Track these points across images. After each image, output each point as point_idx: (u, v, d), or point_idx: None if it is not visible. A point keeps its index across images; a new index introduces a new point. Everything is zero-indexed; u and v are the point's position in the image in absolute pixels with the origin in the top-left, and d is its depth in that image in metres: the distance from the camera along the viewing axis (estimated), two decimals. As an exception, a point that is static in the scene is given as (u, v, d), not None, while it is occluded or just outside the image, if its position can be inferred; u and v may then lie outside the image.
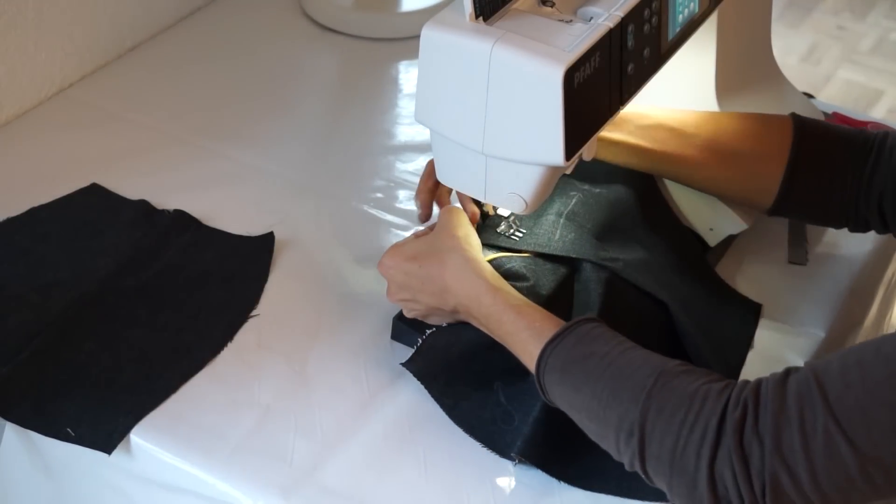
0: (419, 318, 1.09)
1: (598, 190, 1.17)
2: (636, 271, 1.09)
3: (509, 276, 1.08)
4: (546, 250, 1.11)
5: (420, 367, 1.06)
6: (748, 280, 1.22)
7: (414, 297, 1.06)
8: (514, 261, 1.10)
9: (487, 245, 1.12)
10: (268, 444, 1.02)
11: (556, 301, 1.08)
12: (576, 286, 1.09)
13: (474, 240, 1.06)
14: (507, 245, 1.12)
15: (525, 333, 0.97)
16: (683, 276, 1.12)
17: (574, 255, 1.10)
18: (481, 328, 1.04)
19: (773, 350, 1.14)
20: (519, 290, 1.05)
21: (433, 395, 1.05)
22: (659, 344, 1.08)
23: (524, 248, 1.12)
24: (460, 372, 1.06)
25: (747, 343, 1.12)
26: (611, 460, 0.96)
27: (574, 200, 1.15)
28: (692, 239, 1.20)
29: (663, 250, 1.16)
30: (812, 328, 1.17)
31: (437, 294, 1.04)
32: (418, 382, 1.06)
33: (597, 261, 1.09)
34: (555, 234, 1.12)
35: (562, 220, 1.13)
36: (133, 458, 1.03)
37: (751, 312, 1.15)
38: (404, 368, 1.07)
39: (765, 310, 1.17)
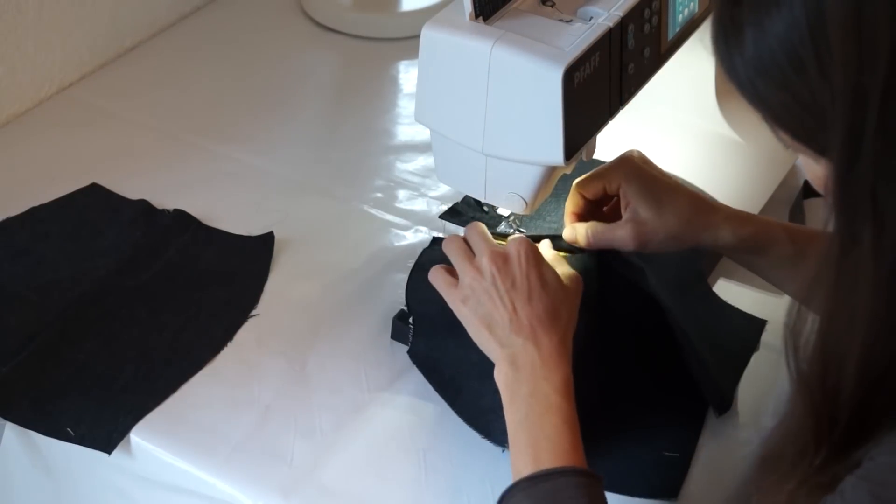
0: (453, 294, 0.98)
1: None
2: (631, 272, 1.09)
3: None
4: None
5: (422, 353, 1.05)
6: (748, 280, 1.22)
7: (503, 296, 0.95)
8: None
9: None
10: (268, 444, 1.02)
11: None
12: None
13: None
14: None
15: (549, 444, 0.89)
16: (684, 292, 1.12)
17: (563, 245, 1.10)
18: (507, 386, 0.93)
19: (773, 350, 1.14)
20: None
21: (435, 387, 1.05)
22: (645, 347, 1.08)
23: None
24: (460, 363, 1.05)
25: (748, 354, 1.12)
26: (609, 459, 0.96)
27: None
28: (693, 258, 1.20)
29: (663, 266, 1.15)
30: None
31: (522, 325, 0.94)
32: (418, 383, 1.06)
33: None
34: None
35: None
36: (133, 457, 1.03)
37: (754, 329, 1.15)
38: (404, 368, 1.07)
39: (764, 309, 1.16)
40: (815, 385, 0.74)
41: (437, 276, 1.01)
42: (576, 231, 1.07)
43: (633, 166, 1.05)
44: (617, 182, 1.05)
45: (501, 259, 0.96)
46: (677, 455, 1.02)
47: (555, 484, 0.87)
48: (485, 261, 0.97)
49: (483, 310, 0.96)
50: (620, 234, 1.04)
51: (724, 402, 1.07)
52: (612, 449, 1.01)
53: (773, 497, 0.79)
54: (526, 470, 0.88)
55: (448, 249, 1.01)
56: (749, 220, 1.06)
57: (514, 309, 0.94)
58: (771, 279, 1.09)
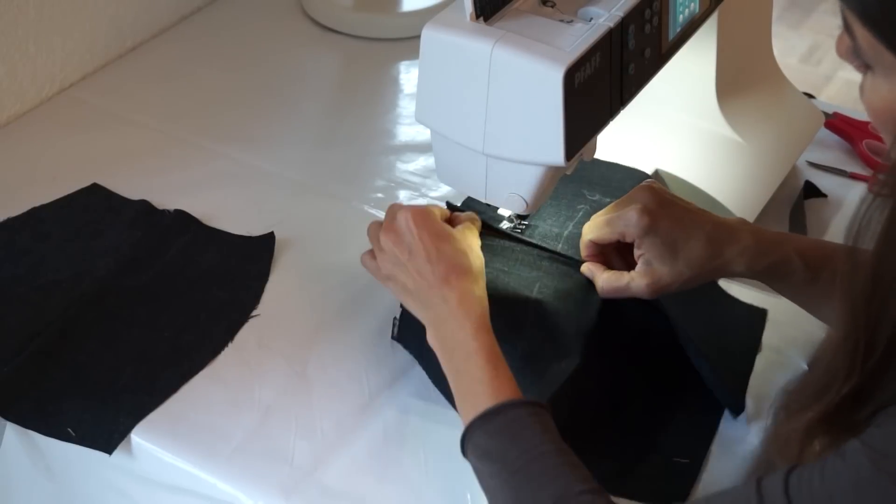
0: (380, 277, 1.05)
1: (608, 200, 1.16)
2: None
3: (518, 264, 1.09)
4: (549, 246, 1.11)
5: (407, 340, 1.06)
6: (748, 279, 1.22)
7: (406, 265, 1.00)
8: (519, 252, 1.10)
9: (493, 234, 1.12)
10: (268, 444, 1.02)
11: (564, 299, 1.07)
12: (578, 292, 1.08)
13: (483, 275, 1.02)
14: (514, 236, 1.12)
15: (481, 386, 0.93)
16: (688, 291, 1.12)
17: (575, 257, 1.09)
18: (436, 345, 0.98)
19: (774, 350, 1.14)
20: (529, 282, 1.06)
21: (423, 366, 1.06)
22: (656, 353, 1.08)
23: (528, 241, 1.11)
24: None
25: (755, 349, 1.12)
26: (618, 464, 0.96)
27: (581, 213, 1.15)
28: None
29: None
30: (812, 327, 1.16)
31: (429, 284, 0.98)
32: (418, 383, 1.06)
33: None
34: (557, 245, 1.12)
35: (565, 234, 1.13)
36: (134, 458, 1.03)
37: (756, 319, 1.15)
38: (405, 369, 1.07)
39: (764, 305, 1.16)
40: (862, 304, 0.76)
41: (365, 262, 1.08)
42: (592, 275, 1.06)
43: (649, 219, 1.01)
44: (632, 236, 1.02)
45: (394, 233, 1.02)
46: (687, 462, 1.02)
47: (507, 416, 0.91)
48: (383, 239, 1.03)
49: (399, 282, 1.02)
50: (635, 287, 1.02)
51: (739, 403, 1.06)
52: (622, 455, 1.01)
53: (792, 424, 0.81)
54: (472, 413, 0.92)
55: (368, 236, 1.07)
56: (765, 251, 1.03)
57: (419, 273, 0.99)
58: (787, 297, 1.09)
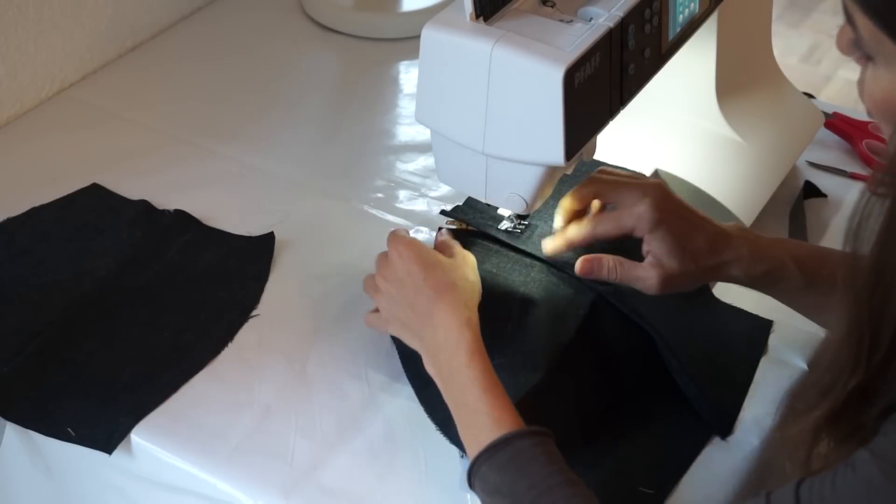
0: (381, 323, 1.05)
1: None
2: (625, 297, 1.07)
3: (507, 276, 1.08)
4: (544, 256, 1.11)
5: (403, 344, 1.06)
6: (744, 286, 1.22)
7: (398, 299, 1.01)
8: (512, 265, 1.10)
9: (488, 240, 1.11)
10: (268, 444, 1.03)
11: (541, 309, 1.07)
12: (560, 304, 1.08)
13: (478, 296, 1.03)
14: (510, 241, 1.12)
15: (480, 417, 0.93)
16: (684, 304, 1.11)
17: (568, 272, 1.09)
18: (435, 377, 0.98)
19: (774, 351, 1.14)
20: (511, 290, 1.05)
21: (408, 375, 1.05)
22: (639, 372, 1.07)
23: (525, 247, 1.11)
24: None
25: (755, 362, 1.11)
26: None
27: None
28: None
29: None
30: (812, 328, 1.16)
31: (420, 314, 0.99)
32: (419, 382, 1.06)
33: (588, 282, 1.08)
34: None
35: None
36: (133, 458, 1.03)
37: (760, 330, 1.14)
38: (404, 368, 1.07)
39: (765, 309, 1.16)
40: (865, 298, 0.76)
41: (370, 320, 1.08)
42: (602, 263, 1.04)
43: (660, 214, 1.01)
44: (643, 230, 1.01)
45: (387, 269, 1.03)
46: (651, 493, 1.00)
47: (514, 448, 0.91)
48: (377, 278, 1.04)
49: (397, 321, 1.02)
50: (646, 279, 1.02)
51: (728, 425, 1.05)
52: (589, 480, 0.99)
53: (800, 425, 0.82)
54: (476, 446, 0.92)
55: (364, 290, 1.07)
56: (760, 258, 1.03)
57: (410, 305, 1.00)
58: (783, 303, 1.09)
